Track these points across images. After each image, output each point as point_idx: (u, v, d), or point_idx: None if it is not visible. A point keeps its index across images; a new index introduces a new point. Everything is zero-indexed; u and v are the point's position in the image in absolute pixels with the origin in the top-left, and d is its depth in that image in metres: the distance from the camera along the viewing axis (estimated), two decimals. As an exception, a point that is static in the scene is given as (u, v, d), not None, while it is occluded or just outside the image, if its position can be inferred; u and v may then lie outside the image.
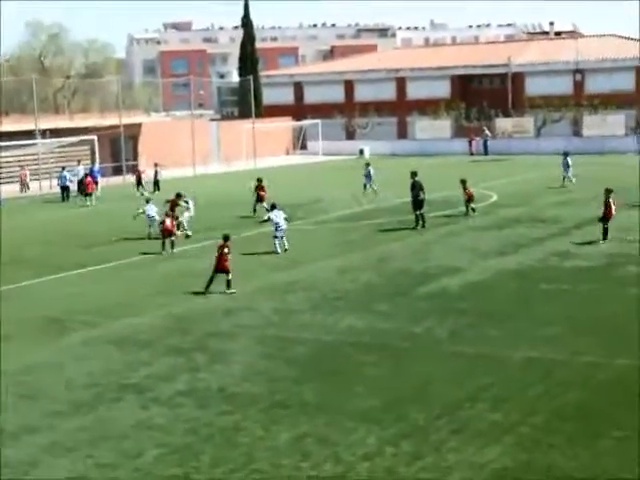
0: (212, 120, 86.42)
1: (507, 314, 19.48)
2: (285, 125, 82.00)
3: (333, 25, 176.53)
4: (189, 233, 32.15)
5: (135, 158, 64.57)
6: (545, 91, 78.02)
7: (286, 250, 28.26)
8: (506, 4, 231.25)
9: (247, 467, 11.72)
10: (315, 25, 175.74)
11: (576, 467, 11.40)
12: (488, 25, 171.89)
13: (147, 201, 33.26)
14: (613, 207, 28.16)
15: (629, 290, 21.44)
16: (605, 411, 13.35)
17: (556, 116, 76.03)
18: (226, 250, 22.49)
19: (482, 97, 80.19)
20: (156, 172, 51.34)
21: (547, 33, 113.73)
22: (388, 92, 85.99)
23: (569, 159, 44.32)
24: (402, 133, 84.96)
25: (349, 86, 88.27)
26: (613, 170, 54.14)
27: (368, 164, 44.98)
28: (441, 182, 44.12)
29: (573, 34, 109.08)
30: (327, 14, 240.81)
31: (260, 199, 37.16)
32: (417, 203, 32.71)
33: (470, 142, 74.77)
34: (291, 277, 24.47)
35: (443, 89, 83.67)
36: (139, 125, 67.39)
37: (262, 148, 73.40)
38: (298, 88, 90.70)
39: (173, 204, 31.31)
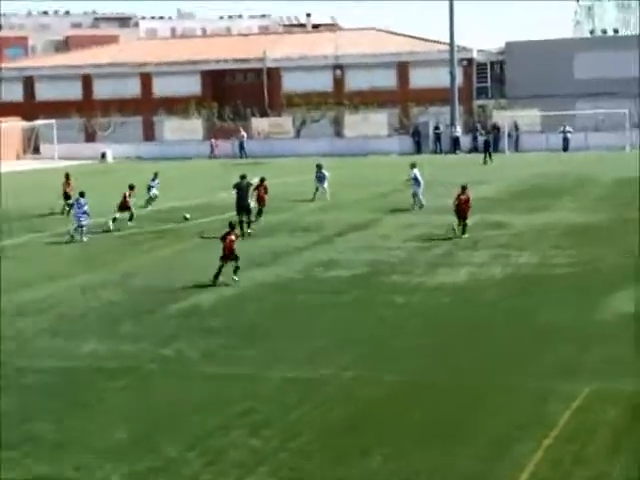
0: None
1: (265, 331, 19.77)
2: (14, 126, 79.54)
3: (67, 13, 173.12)
4: None
5: None
6: (303, 88, 79.53)
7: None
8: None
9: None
10: (46, 12, 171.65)
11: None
12: (240, 16, 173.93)
13: None
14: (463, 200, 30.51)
15: (395, 298, 22.28)
16: (371, 428, 13.83)
17: (316, 115, 77.87)
18: (232, 237, 24.25)
19: (236, 94, 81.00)
20: None
21: (304, 26, 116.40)
22: (132, 88, 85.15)
23: (325, 171, 44.27)
24: (149, 134, 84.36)
25: (87, 82, 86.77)
26: (376, 172, 56.11)
27: (157, 173, 43.86)
28: (193, 188, 44.19)
29: (332, 27, 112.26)
30: (60, 1, 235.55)
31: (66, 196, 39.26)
32: (241, 208, 32.80)
33: (211, 144, 74.57)
34: (26, 298, 23.71)
35: (193, 85, 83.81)
36: None
37: (-13, 152, 70.86)
38: (28, 83, 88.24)
39: None
